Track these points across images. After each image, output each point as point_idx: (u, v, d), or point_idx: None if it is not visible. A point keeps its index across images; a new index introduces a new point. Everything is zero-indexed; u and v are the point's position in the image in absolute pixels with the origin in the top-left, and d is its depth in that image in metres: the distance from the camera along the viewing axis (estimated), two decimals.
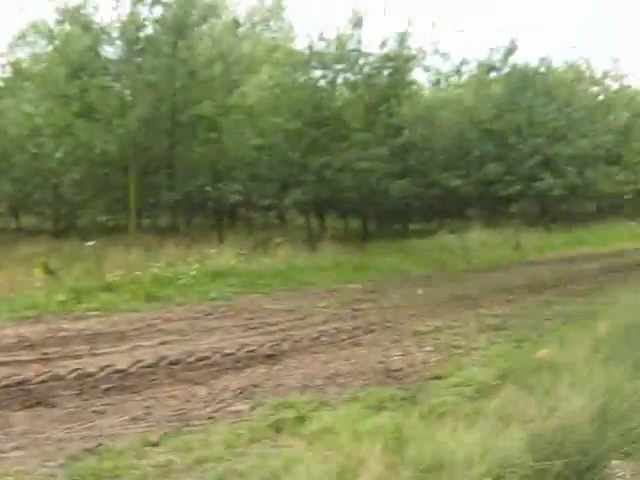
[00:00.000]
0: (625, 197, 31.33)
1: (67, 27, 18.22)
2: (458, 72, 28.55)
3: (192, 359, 8.33)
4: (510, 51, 29.10)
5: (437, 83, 27.94)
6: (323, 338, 9.50)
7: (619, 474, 5.03)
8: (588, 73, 33.98)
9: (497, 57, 29.12)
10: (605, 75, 34.93)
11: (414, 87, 23.80)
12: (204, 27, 19.57)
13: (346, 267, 16.01)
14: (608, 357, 6.98)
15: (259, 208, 22.99)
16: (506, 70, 28.78)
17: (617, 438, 5.19)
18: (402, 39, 21.29)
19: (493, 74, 29.04)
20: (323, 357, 8.53)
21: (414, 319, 10.85)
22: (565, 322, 10.21)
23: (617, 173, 29.99)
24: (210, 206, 21.34)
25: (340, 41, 20.68)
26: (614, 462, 5.08)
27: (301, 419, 6.33)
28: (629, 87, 35.58)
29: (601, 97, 33.71)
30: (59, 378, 7.52)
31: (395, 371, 7.94)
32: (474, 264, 18.44)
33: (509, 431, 5.09)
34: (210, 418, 6.46)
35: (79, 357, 8.37)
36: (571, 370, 6.02)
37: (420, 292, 13.61)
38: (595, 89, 34.22)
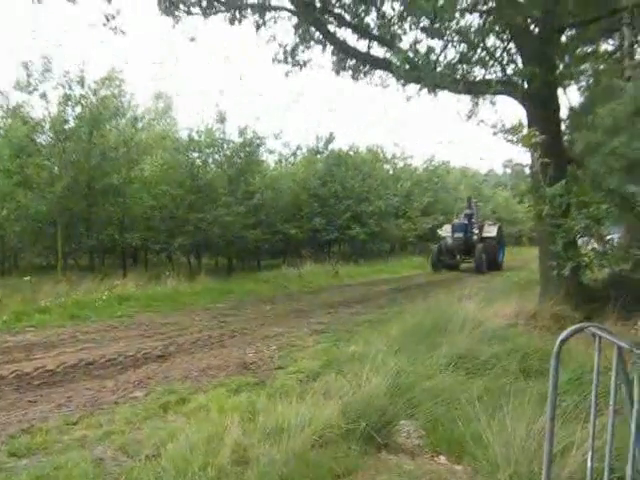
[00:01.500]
0: (409, 240, 32.05)
1: (10, 120, 17.84)
2: (294, 154, 28.64)
3: (103, 360, 8.10)
4: (329, 140, 29.66)
5: (279, 162, 27.93)
6: (199, 342, 9.42)
7: (405, 430, 5.29)
8: (382, 155, 34.47)
9: (320, 144, 29.65)
10: (394, 156, 35.68)
11: (263, 164, 23.93)
12: (113, 122, 19.25)
13: (216, 292, 15.84)
14: (397, 350, 7.28)
15: (153, 251, 22.38)
16: (326, 153, 29.19)
17: (403, 404, 5.44)
18: (254, 131, 21.53)
19: (318, 156, 29.48)
20: (199, 356, 8.46)
21: (264, 327, 10.89)
22: (369, 326, 10.47)
23: (403, 223, 30.69)
24: (118, 249, 20.82)
25: (209, 132, 20.73)
26: (402, 422, 5.32)
27: (182, 401, 6.28)
28: (410, 165, 36.49)
29: (391, 172, 34.30)
30: (2, 377, 7.16)
31: (250, 364, 7.97)
32: (307, 288, 18.58)
33: (329, 403, 5.23)
34: (116, 403, 6.31)
35: (18, 361, 8.00)
36: (372, 359, 6.18)
37: (268, 308, 13.62)
38: (387, 166, 34.77)
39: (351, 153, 29.74)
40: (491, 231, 25.93)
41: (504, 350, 6.89)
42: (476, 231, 25.36)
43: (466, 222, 25.10)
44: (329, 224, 26.20)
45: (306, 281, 19.62)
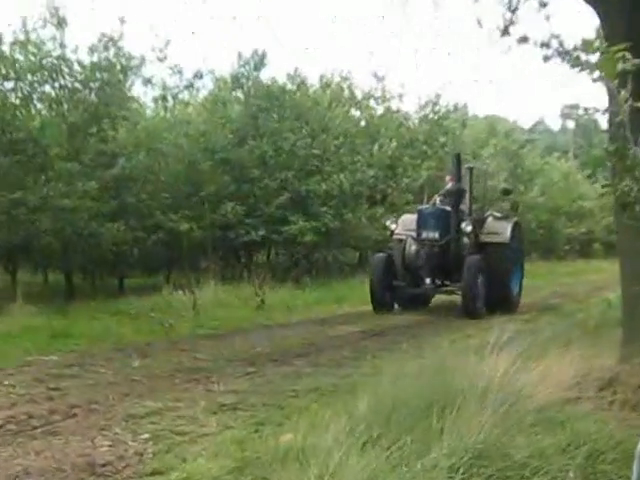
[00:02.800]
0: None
1: None
2: (190, 88, 28.10)
3: None
4: (258, 63, 29.66)
5: (163, 100, 27.33)
6: (9, 426, 9.26)
7: None
8: (348, 92, 34.54)
9: (243, 70, 29.66)
10: (368, 96, 35.60)
11: (133, 105, 23.81)
12: None
13: (42, 334, 15.60)
14: (366, 441, 7.27)
15: None
16: (248, 86, 29.29)
17: None
18: (117, 44, 21.32)
19: (234, 94, 29.56)
20: (8, 452, 8.33)
21: (128, 399, 10.77)
22: (317, 399, 10.45)
23: (382, 215, 29.81)
24: None
25: (36, 45, 20.40)
26: None
27: None
28: (398, 111, 36.59)
29: (363, 122, 34.60)
30: None
31: (102, 466, 7.88)
32: (208, 328, 18.47)
33: None
34: None
35: None
36: (322, 458, 6.20)
37: (137, 364, 13.50)
38: (357, 113, 35.09)
39: (292, 87, 30.12)
40: (499, 230, 23.48)
41: (556, 444, 6.98)
42: (468, 228, 22.62)
43: (448, 209, 22.70)
44: (250, 215, 26.46)
45: (207, 316, 19.58)
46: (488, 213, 24.65)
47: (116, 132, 21.47)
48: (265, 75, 29.99)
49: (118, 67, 21.41)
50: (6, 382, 11.75)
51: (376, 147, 32.09)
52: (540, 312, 22.44)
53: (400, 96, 36.74)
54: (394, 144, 32.79)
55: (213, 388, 11.63)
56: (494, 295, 21.91)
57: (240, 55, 29.79)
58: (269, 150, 27.01)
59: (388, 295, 22.66)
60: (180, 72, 27.17)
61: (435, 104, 38.66)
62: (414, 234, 22.68)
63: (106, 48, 21.50)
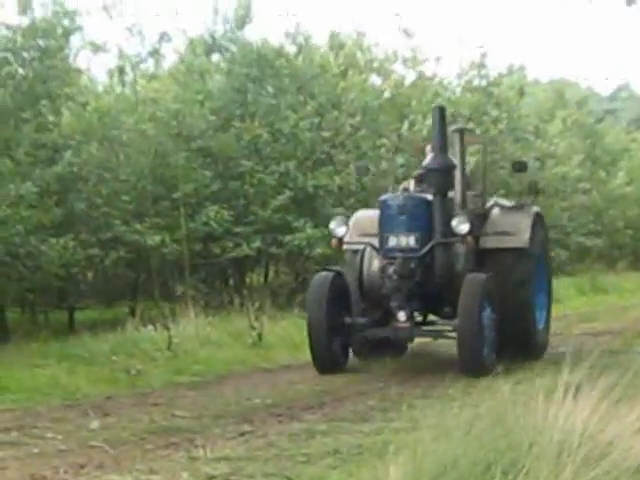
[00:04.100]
0: None
1: None
2: (155, 55, 28.10)
3: None
4: (241, 19, 29.74)
5: (121, 73, 27.29)
6: None
7: None
8: (365, 54, 34.54)
9: (223, 29, 29.79)
10: (394, 58, 35.58)
11: (81, 81, 23.86)
12: None
13: None
14: None
15: None
16: (232, 51, 29.42)
17: None
18: (60, 3, 21.44)
19: (214, 57, 29.75)
20: None
21: (85, 472, 10.73)
22: (337, 465, 10.50)
23: None
24: None
25: None
26: None
27: None
28: (433, 78, 36.64)
29: (387, 94, 34.41)
30: None
31: None
32: (188, 374, 18.50)
33: None
34: None
35: None
36: None
37: (95, 425, 13.43)
38: (377, 80, 35.17)
39: (290, 49, 30.39)
40: (512, 229, 20.06)
41: None
42: (464, 228, 18.55)
43: (429, 198, 19.04)
44: (241, 221, 26.67)
45: (187, 358, 19.64)
46: (492, 202, 21.26)
47: (59, 117, 21.50)
48: (252, 34, 30.12)
49: (59, 30, 21.41)
50: None
51: (405, 126, 32.04)
52: (633, 337, 22.46)
53: (437, 58, 36.65)
54: (429, 121, 32.30)
55: (198, 454, 11.56)
56: (508, 334, 18.52)
57: (216, 10, 29.94)
58: (263, 134, 26.97)
59: (338, 342, 19.01)
60: (140, 34, 27.20)
61: (482, 66, 38.62)
62: (376, 241, 19.26)
63: (43, 5, 21.53)
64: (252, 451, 11.73)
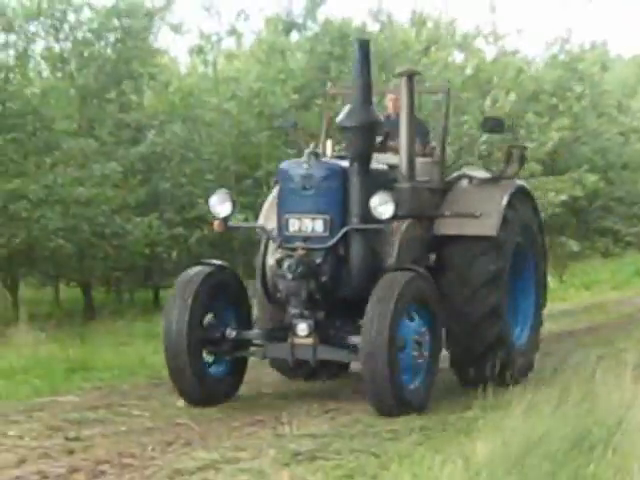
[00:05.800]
0: None
1: None
2: (234, 33, 28.20)
3: None
4: (316, 3, 29.64)
5: (200, 52, 27.39)
6: None
7: None
8: (448, 32, 34.74)
9: (297, 12, 29.63)
10: (476, 34, 35.74)
11: (163, 60, 23.91)
12: None
13: (56, 367, 15.66)
14: None
15: None
16: (312, 29, 29.41)
17: None
18: None
19: (292, 37, 29.71)
20: None
21: (173, 450, 10.77)
22: (423, 441, 10.49)
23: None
24: None
25: None
26: None
27: None
28: (515, 54, 36.59)
29: (469, 71, 34.18)
30: None
31: None
32: None
33: None
34: None
35: None
36: None
37: (182, 403, 13.49)
38: (460, 58, 35.18)
39: (373, 28, 30.11)
40: (479, 210, 14.91)
41: None
42: (385, 210, 13.49)
43: (344, 165, 14.11)
44: None
45: None
46: (459, 172, 16.73)
47: (141, 97, 21.54)
48: (328, 13, 30.00)
49: (143, 11, 21.41)
50: (11, 432, 11.72)
51: (488, 102, 31.93)
52: None
53: (519, 31, 36.38)
54: (512, 97, 32.37)
55: (284, 431, 11.61)
56: (465, 353, 14.78)
57: None
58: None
59: (218, 363, 14.36)
60: (218, 14, 27.04)
61: (566, 41, 38.41)
62: (274, 227, 14.58)
63: None
64: (338, 428, 11.73)
